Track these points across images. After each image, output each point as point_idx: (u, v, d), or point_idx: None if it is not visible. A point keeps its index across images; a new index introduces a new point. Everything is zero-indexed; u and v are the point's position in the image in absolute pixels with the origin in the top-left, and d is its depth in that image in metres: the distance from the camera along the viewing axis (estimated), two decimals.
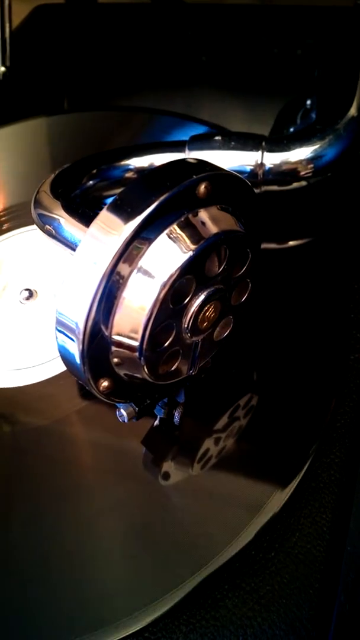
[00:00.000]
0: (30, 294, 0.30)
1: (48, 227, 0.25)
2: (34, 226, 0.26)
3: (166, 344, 0.20)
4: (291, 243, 0.31)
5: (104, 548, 0.22)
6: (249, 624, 0.20)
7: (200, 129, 0.36)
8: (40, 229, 0.25)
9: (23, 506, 0.23)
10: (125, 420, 0.22)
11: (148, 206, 0.18)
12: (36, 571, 0.21)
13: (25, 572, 0.21)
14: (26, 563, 0.22)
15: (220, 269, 0.20)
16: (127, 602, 0.20)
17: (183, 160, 0.20)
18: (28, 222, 0.33)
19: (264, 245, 0.24)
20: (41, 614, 0.20)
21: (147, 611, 0.20)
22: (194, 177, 0.18)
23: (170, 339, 0.20)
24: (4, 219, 0.34)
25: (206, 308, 0.20)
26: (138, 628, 0.20)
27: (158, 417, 0.24)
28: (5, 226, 0.34)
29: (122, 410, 0.22)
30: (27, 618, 0.20)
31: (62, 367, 0.26)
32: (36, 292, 0.30)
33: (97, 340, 0.19)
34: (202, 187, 0.19)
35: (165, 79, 0.46)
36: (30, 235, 0.33)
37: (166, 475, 0.23)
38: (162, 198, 0.18)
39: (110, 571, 0.21)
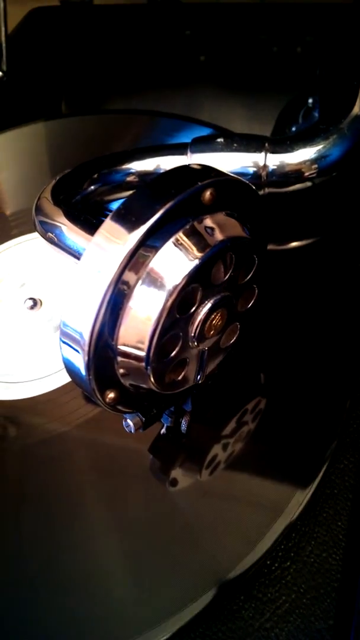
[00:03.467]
0: (35, 303, 0.29)
1: (50, 234, 0.24)
2: (36, 234, 0.26)
3: (173, 353, 0.19)
4: (297, 244, 0.30)
5: (115, 561, 0.21)
6: (266, 635, 0.20)
7: (201, 131, 0.36)
8: (42, 237, 0.25)
9: (30, 517, 0.23)
10: (132, 431, 0.22)
11: (153, 215, 0.17)
12: (45, 583, 0.21)
13: (33, 584, 0.21)
14: (33, 575, 0.21)
15: (227, 276, 0.20)
16: (141, 617, 0.20)
17: (187, 167, 0.19)
18: (30, 229, 0.32)
19: (269, 247, 0.24)
20: (51, 628, 0.20)
21: (163, 625, 0.20)
22: (199, 184, 0.18)
23: (177, 348, 0.20)
24: (5, 226, 0.34)
25: (213, 316, 0.20)
26: None
27: (165, 425, 0.24)
28: (6, 234, 0.33)
29: (128, 421, 0.22)
30: (35, 631, 0.20)
31: (67, 378, 0.26)
32: (40, 301, 0.30)
33: (102, 351, 0.18)
34: (208, 194, 0.18)
35: (164, 80, 0.45)
36: (32, 242, 0.33)
37: (176, 484, 0.23)
38: (167, 206, 0.17)
39: (123, 585, 0.21)
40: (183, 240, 0.18)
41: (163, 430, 0.24)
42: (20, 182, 0.37)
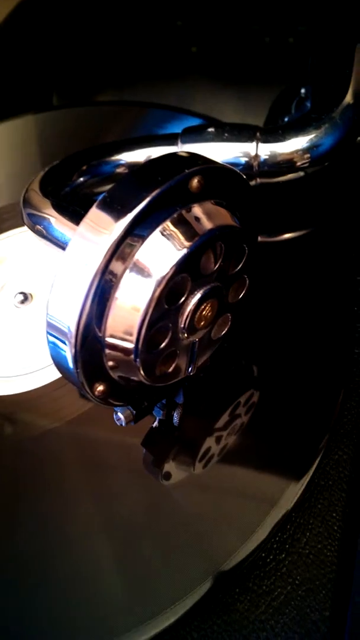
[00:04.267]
0: (26, 297, 0.29)
1: (38, 227, 0.24)
2: (26, 227, 0.25)
3: (162, 345, 0.19)
4: (290, 235, 0.30)
5: (110, 555, 0.21)
6: (262, 627, 0.20)
7: (193, 122, 0.35)
8: (31, 229, 0.25)
9: (23, 512, 0.23)
10: (123, 424, 0.21)
11: (139, 203, 0.17)
12: (40, 578, 0.21)
13: (30, 578, 0.21)
14: (30, 570, 0.21)
15: (216, 266, 0.20)
16: (135, 611, 0.20)
17: (174, 154, 0.19)
18: (21, 222, 0.32)
19: (261, 239, 0.23)
20: (46, 623, 0.20)
21: (157, 619, 0.19)
22: (186, 171, 0.18)
23: (167, 340, 0.19)
24: None
25: (203, 307, 0.20)
26: (147, 637, 0.19)
27: (157, 418, 0.23)
28: None
29: (119, 414, 0.22)
30: (32, 626, 0.20)
31: (58, 373, 0.25)
32: (31, 295, 0.29)
33: (90, 343, 0.18)
34: (195, 182, 0.18)
35: (156, 71, 0.45)
36: (22, 236, 0.32)
37: (169, 477, 0.23)
38: (153, 194, 0.17)
39: (117, 579, 0.21)
40: (171, 229, 0.18)
41: (155, 424, 0.24)
42: (11, 175, 0.36)
